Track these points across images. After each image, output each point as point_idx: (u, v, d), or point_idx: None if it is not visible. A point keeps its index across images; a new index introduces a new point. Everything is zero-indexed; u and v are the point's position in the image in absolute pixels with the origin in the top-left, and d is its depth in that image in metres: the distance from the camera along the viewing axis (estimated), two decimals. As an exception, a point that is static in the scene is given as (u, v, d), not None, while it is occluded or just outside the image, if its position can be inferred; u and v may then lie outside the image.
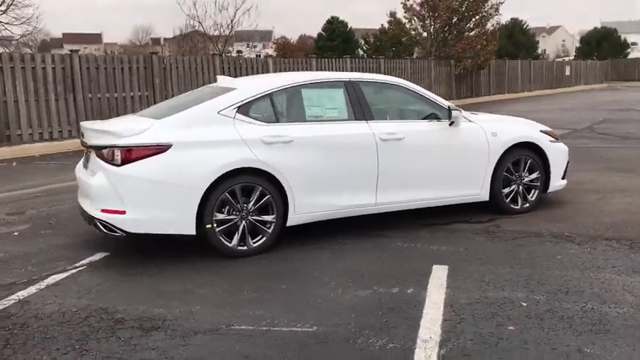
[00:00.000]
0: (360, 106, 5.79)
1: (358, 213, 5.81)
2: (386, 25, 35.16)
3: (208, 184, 5.04)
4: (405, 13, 30.50)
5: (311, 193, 5.44)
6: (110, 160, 4.97)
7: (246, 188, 5.22)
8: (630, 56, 55.78)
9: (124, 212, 4.92)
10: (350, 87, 5.85)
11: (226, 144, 5.18)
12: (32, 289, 4.64)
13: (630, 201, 6.98)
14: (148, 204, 4.96)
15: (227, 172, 5.10)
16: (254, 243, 5.29)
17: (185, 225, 5.03)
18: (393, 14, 32.18)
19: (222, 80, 6.54)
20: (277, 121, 5.50)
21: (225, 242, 5.18)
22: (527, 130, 6.72)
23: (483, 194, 6.33)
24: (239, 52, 52.98)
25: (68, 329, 3.87)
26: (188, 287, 4.60)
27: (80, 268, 5.13)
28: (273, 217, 5.33)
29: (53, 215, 7.07)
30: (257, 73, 18.06)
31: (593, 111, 20.80)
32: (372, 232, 5.90)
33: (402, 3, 30.03)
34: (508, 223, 6.15)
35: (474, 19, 29.66)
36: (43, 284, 4.76)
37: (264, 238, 5.32)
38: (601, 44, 55.42)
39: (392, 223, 6.11)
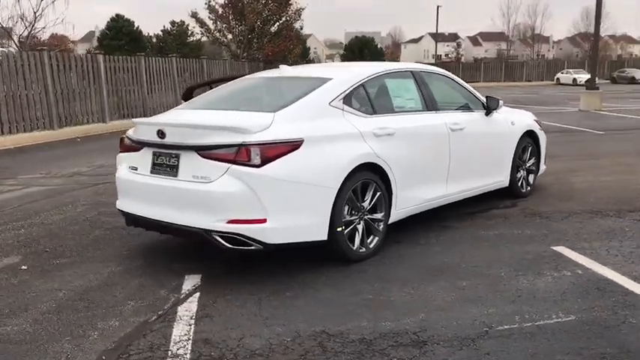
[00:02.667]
0: (429, 97, 5.73)
1: (434, 205, 5.74)
2: (168, 27, 34.34)
3: (340, 182, 4.55)
4: (210, 14, 30.06)
5: (407, 188, 5.22)
6: (245, 161, 4.16)
7: (364, 185, 4.82)
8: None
9: (264, 221, 4.17)
10: (417, 77, 5.76)
11: (348, 137, 4.73)
12: (183, 327, 3.69)
13: (593, 178, 8.03)
14: (287, 209, 4.28)
15: (354, 168, 4.65)
16: (370, 244, 4.91)
17: (319, 230, 4.46)
18: (194, 14, 31.44)
19: (292, 69, 5.95)
20: (374, 112, 5.15)
21: (350, 245, 4.72)
22: (529, 118, 7.29)
23: (505, 181, 6.71)
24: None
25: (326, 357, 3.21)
26: (369, 296, 4.10)
27: (194, 295, 4.21)
28: (382, 214, 5.02)
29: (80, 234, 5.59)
30: (89, 72, 16.16)
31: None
32: (439, 225, 5.85)
33: (205, 4, 29.54)
34: (532, 205, 6.61)
35: (277, 23, 30.50)
36: (183, 319, 3.81)
37: (377, 238, 4.98)
38: (363, 51, 61.08)
39: (440, 215, 6.07)
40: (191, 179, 4.35)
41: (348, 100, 4.92)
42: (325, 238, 4.48)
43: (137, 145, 4.80)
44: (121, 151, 5.06)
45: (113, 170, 5.33)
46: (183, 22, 30.85)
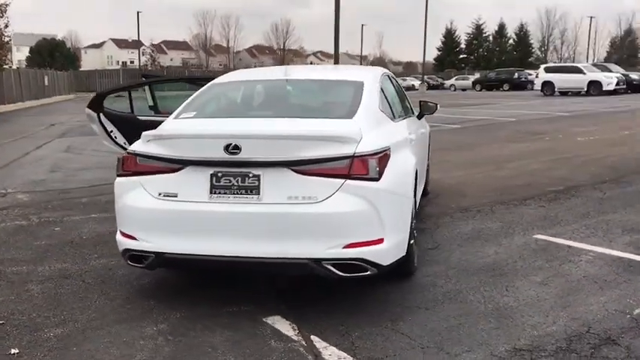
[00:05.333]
0: (404, 101, 5.78)
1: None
2: None
3: (414, 191, 4.32)
4: None
5: (418, 194, 5.20)
6: (363, 175, 3.64)
7: (412, 194, 4.65)
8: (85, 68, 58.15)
9: (381, 241, 3.72)
10: (394, 81, 5.75)
11: (405, 144, 4.50)
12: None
13: (467, 172, 8.98)
14: (395, 225, 3.88)
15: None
16: (414, 254, 4.75)
17: (404, 246, 4.13)
18: None
19: (312, 70, 5.39)
20: (394, 117, 4.93)
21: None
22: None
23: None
24: None
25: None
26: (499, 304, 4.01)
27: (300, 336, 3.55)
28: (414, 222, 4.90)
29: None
30: None
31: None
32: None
33: None
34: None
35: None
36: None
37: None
38: (53, 55, 55.70)
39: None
40: (285, 201, 3.62)
41: (383, 104, 4.66)
42: (404, 253, 4.17)
43: (172, 165, 3.77)
44: (128, 174, 3.91)
45: None
46: None
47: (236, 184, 3.69)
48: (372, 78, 4.84)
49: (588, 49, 69.84)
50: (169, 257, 3.79)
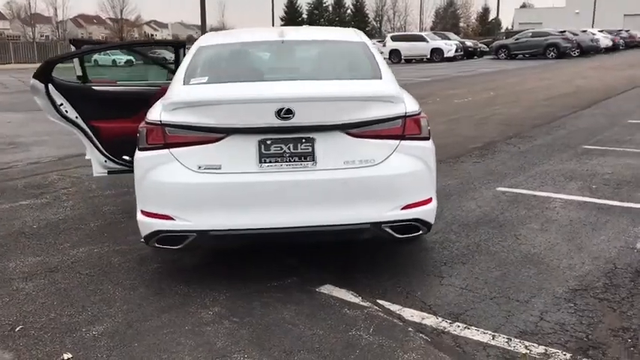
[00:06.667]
0: None
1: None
2: None
3: None
4: None
5: None
6: (416, 134, 3.62)
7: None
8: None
9: (430, 200, 3.73)
10: None
11: None
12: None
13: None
14: (435, 184, 3.90)
15: None
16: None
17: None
18: None
19: (305, 31, 5.13)
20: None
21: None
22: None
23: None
24: None
25: None
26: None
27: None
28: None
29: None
30: None
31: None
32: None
33: None
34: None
35: None
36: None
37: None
38: None
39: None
40: (342, 166, 3.49)
41: None
42: None
43: (212, 135, 3.45)
44: (157, 147, 3.51)
45: None
46: None
47: (288, 151, 3.47)
48: (367, 39, 4.75)
49: (421, 18, 74.28)
50: (216, 234, 3.48)
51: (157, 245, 3.64)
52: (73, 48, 6.06)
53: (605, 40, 38.83)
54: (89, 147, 5.38)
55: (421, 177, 3.65)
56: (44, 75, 5.01)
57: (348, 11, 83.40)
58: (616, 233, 4.57)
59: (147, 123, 3.58)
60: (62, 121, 5.32)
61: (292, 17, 78.79)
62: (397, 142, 3.56)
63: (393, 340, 3.06)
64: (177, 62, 5.55)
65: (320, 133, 3.47)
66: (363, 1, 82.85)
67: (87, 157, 5.78)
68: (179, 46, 5.54)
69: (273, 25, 50.27)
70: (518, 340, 3.03)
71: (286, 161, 3.47)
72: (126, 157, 5.40)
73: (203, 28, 22.18)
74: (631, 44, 44.32)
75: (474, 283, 3.73)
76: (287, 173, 3.47)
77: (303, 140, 3.47)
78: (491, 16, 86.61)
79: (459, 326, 3.20)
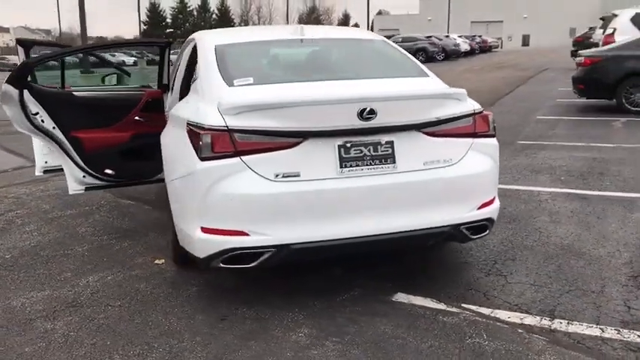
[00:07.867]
0: None
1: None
2: None
3: None
4: None
5: None
6: (485, 132, 3.55)
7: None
8: None
9: (495, 199, 3.70)
10: None
11: None
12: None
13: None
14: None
15: None
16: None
17: None
18: None
19: (321, 29, 4.84)
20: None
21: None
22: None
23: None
24: None
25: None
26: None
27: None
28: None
29: None
30: None
31: None
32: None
33: None
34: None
35: None
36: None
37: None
38: None
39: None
40: (422, 167, 3.35)
41: None
42: None
43: (289, 140, 3.15)
44: (224, 156, 3.13)
45: None
46: None
47: (368, 153, 3.25)
48: (382, 36, 4.65)
49: (286, 23, 74.93)
50: (297, 248, 3.16)
51: (222, 265, 3.24)
52: (20, 49, 5.31)
53: (464, 45, 41.71)
54: (64, 161, 4.73)
55: (493, 175, 3.61)
56: (20, 80, 4.32)
57: (214, 16, 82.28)
58: (622, 220, 4.83)
59: (206, 129, 3.17)
60: (34, 133, 4.63)
61: (156, 22, 76.16)
62: (471, 140, 3.48)
63: (515, 344, 2.96)
64: (162, 62, 5.06)
65: (399, 133, 3.29)
66: (227, 6, 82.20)
67: (37, 174, 5.25)
68: (165, 45, 5.04)
69: (140, 30, 48.28)
70: (627, 331, 3.07)
71: (367, 165, 3.25)
72: (108, 171, 4.84)
73: (84, 36, 20.62)
74: (484, 48, 48.16)
75: (540, 279, 3.74)
76: (368, 178, 3.24)
77: (383, 142, 3.27)
78: (352, 22, 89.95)
79: (560, 323, 3.18)
